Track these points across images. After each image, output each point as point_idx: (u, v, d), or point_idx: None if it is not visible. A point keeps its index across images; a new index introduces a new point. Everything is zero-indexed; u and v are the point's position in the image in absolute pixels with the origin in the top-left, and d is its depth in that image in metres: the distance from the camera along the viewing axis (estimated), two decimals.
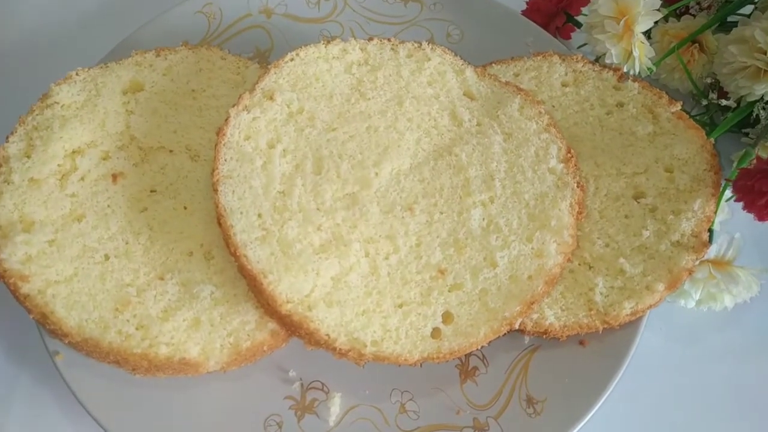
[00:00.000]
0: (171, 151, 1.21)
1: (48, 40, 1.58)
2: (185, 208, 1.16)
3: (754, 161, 1.16)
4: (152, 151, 1.21)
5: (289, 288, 1.01)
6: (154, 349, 1.01)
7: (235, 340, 1.05)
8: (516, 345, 1.17)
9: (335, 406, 1.10)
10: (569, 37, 1.65)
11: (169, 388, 1.09)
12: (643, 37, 1.34)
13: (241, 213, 1.05)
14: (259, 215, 1.06)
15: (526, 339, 1.17)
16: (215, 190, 1.07)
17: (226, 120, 1.12)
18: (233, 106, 1.14)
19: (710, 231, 1.21)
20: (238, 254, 1.01)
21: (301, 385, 1.13)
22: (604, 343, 1.15)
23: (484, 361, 1.16)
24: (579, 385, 1.11)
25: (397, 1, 1.58)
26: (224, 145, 1.10)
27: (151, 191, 1.18)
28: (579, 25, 1.60)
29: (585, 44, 1.59)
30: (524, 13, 1.61)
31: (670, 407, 1.23)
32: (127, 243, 1.11)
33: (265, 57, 1.50)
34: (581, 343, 1.16)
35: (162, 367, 1.03)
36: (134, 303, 1.05)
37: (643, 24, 1.32)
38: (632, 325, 1.15)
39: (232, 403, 1.09)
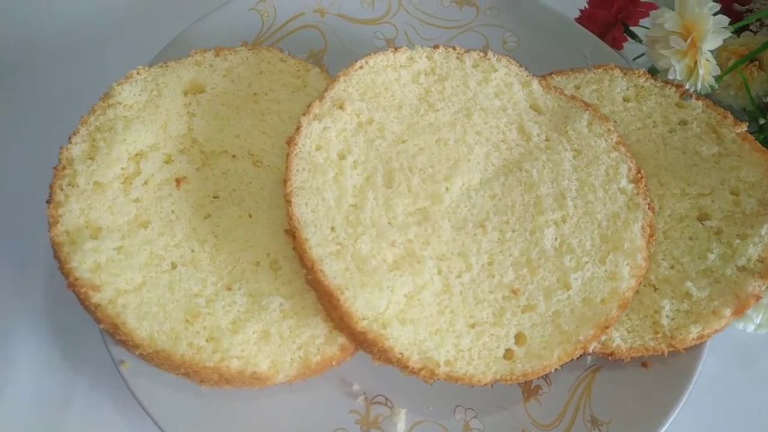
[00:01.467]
0: (234, 156, 1.19)
1: (96, 35, 1.54)
2: (250, 216, 1.14)
3: None
4: (214, 156, 1.18)
5: (365, 305, 0.99)
6: (225, 362, 1.00)
7: (305, 353, 1.04)
8: (578, 364, 1.16)
9: (401, 422, 1.09)
10: (621, 47, 1.64)
11: (236, 399, 1.07)
12: (710, 55, 1.33)
13: (315, 226, 1.03)
14: (332, 229, 1.04)
15: (588, 359, 1.17)
16: (288, 202, 1.04)
17: (298, 129, 1.10)
18: (304, 114, 1.11)
19: None
20: (315, 269, 0.99)
21: (365, 398, 1.12)
22: (667, 366, 1.15)
23: (547, 380, 1.15)
24: (643, 408, 1.11)
25: (452, 3, 1.55)
26: (296, 155, 1.08)
27: (214, 197, 1.15)
28: (635, 36, 1.59)
29: (640, 56, 1.58)
30: (578, 20, 1.59)
31: (725, 430, 1.23)
32: (192, 251, 1.09)
33: (319, 59, 1.47)
34: (644, 365, 1.16)
35: (232, 380, 1.01)
36: (204, 314, 1.03)
37: (712, 42, 1.31)
38: (695, 348, 1.15)
39: (299, 416, 1.08)
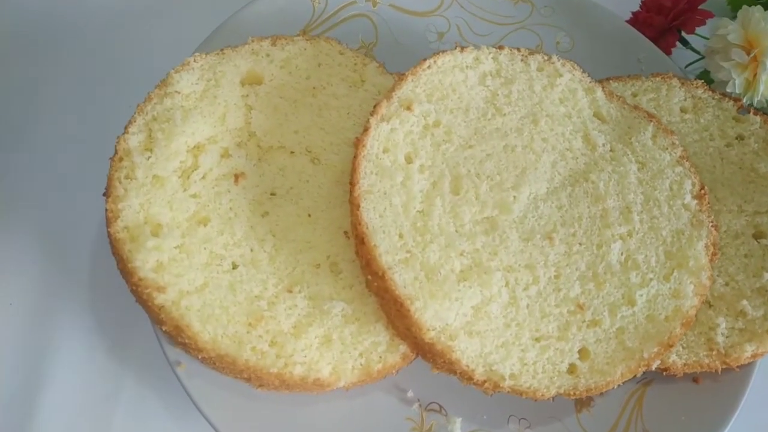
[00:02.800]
0: (291, 152, 1.15)
1: (142, 13, 1.47)
2: (309, 215, 1.11)
3: None
4: (271, 151, 1.15)
5: (434, 316, 0.97)
6: (289, 368, 0.98)
7: (367, 361, 1.02)
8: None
9: (457, 430, 1.08)
10: (671, 53, 1.61)
11: (292, 403, 1.06)
12: None
13: (384, 232, 1.01)
14: (400, 235, 1.02)
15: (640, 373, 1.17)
16: (356, 206, 1.01)
17: (366, 130, 1.06)
18: (371, 114, 1.08)
19: None
20: (386, 277, 0.97)
21: (420, 405, 1.11)
22: (718, 382, 1.16)
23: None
24: (695, 423, 1.12)
25: None
26: (364, 157, 1.04)
27: (271, 194, 1.12)
28: (687, 43, 1.56)
29: (692, 63, 1.56)
30: (631, 22, 1.56)
31: None
32: (252, 250, 1.06)
33: (370, 50, 1.42)
34: (695, 380, 1.16)
35: (293, 386, 0.99)
36: (266, 317, 1.00)
37: None
38: (746, 364, 1.16)
39: (354, 422, 1.07)
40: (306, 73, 1.21)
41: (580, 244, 1.09)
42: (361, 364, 1.02)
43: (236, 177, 1.10)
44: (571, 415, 1.13)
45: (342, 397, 1.07)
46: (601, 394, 1.14)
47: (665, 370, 1.13)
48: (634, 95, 1.35)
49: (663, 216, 1.13)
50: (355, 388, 1.06)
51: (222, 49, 1.19)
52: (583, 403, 1.14)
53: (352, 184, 1.03)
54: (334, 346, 1.02)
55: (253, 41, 1.21)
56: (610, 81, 1.37)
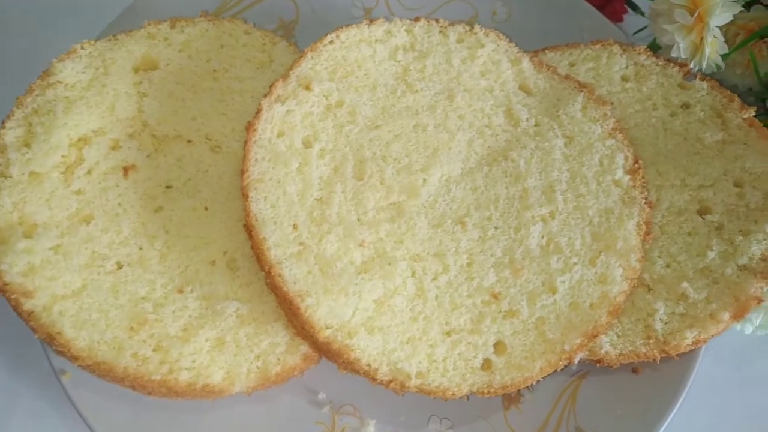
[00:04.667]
0: (189, 141, 1.07)
1: (45, 6, 1.39)
2: (206, 208, 1.03)
3: None
4: (167, 141, 1.07)
5: (328, 313, 0.90)
6: (174, 374, 0.91)
7: (264, 364, 0.95)
8: (563, 370, 1.07)
9: None
10: (622, 20, 1.51)
11: (188, 410, 0.99)
12: (717, 32, 1.20)
13: (275, 223, 0.93)
14: (295, 226, 0.94)
15: (575, 365, 1.08)
16: (245, 196, 0.94)
17: (258, 113, 0.98)
18: (265, 96, 1.00)
19: None
20: (272, 273, 0.90)
21: (332, 408, 1.03)
22: (658, 371, 1.07)
23: (529, 387, 1.07)
24: (632, 417, 1.03)
25: None
26: (255, 142, 0.96)
27: (167, 187, 1.05)
28: (636, 8, 1.46)
29: (641, 29, 1.45)
30: None
31: None
32: (141, 248, 0.99)
33: (290, 29, 1.34)
34: (634, 370, 1.08)
35: (182, 393, 0.92)
36: (151, 320, 0.93)
37: (721, 17, 1.18)
38: (689, 352, 1.07)
39: (258, 429, 1.00)
40: (207, 56, 1.13)
41: (496, 228, 1.00)
42: (257, 368, 0.95)
43: (125, 170, 1.03)
44: (498, 413, 1.05)
45: (245, 401, 1.00)
46: (531, 389, 1.07)
47: (598, 361, 1.04)
48: (572, 65, 1.25)
49: (590, 194, 1.04)
50: (261, 392, 0.99)
51: (115, 35, 1.11)
52: (511, 399, 1.06)
53: (241, 172, 0.95)
54: (228, 349, 0.94)
55: (149, 24, 1.13)
56: (546, 51, 1.27)
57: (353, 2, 1.37)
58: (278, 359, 0.95)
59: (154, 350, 0.92)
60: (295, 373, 0.97)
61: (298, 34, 1.33)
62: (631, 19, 1.49)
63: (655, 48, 1.30)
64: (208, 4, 1.30)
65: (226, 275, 0.99)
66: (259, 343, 0.95)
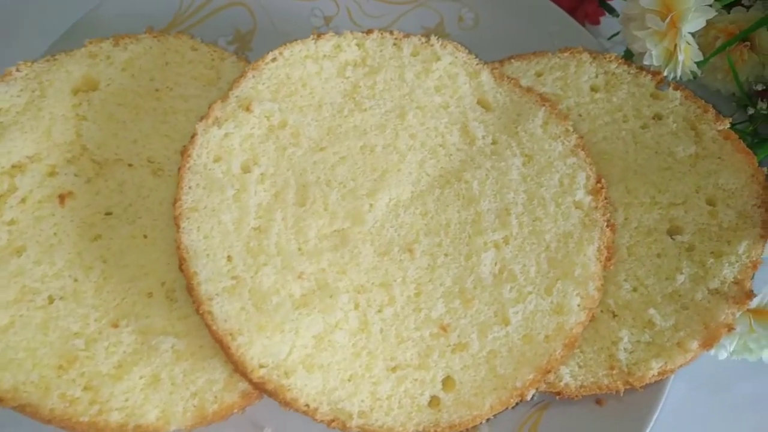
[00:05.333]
0: (130, 164, 1.03)
1: None
2: (145, 236, 0.99)
3: None
4: (108, 165, 1.03)
5: (262, 351, 0.85)
6: (104, 415, 0.87)
7: (200, 402, 0.91)
8: (524, 402, 1.02)
9: None
10: (598, 23, 1.44)
11: None
12: (690, 38, 1.14)
13: (208, 256, 0.88)
14: (229, 258, 0.89)
15: (536, 396, 1.03)
16: (177, 226, 0.89)
17: (193, 137, 0.93)
18: (201, 118, 0.95)
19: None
20: (201, 310, 0.85)
21: None
22: (623, 403, 1.01)
23: (488, 419, 1.02)
24: None
25: None
26: (189, 169, 0.92)
27: (107, 214, 1.00)
28: (612, 10, 1.39)
29: (617, 33, 1.39)
30: None
31: None
32: (75, 281, 0.95)
33: (246, 42, 1.29)
34: (598, 402, 1.02)
35: None
36: (82, 358, 0.89)
37: (693, 23, 1.11)
38: (657, 382, 1.01)
39: None
40: (150, 75, 1.08)
41: (446, 255, 0.95)
42: (194, 406, 0.90)
43: (62, 197, 0.99)
44: None
45: None
46: (489, 422, 1.01)
47: (558, 393, 0.99)
48: (539, 75, 1.19)
49: (548, 217, 0.98)
50: (201, 429, 0.95)
51: (53, 55, 1.07)
52: None
53: (174, 201, 0.91)
54: (163, 387, 0.90)
55: (91, 43, 1.09)
56: (512, 60, 1.21)
57: (313, 11, 1.32)
58: (215, 397, 0.91)
59: (83, 390, 0.88)
60: (234, 410, 0.93)
61: (256, 47, 1.28)
62: (608, 22, 1.43)
63: (629, 55, 1.23)
64: (161, 18, 1.25)
65: (163, 308, 0.94)
66: (196, 380, 0.91)
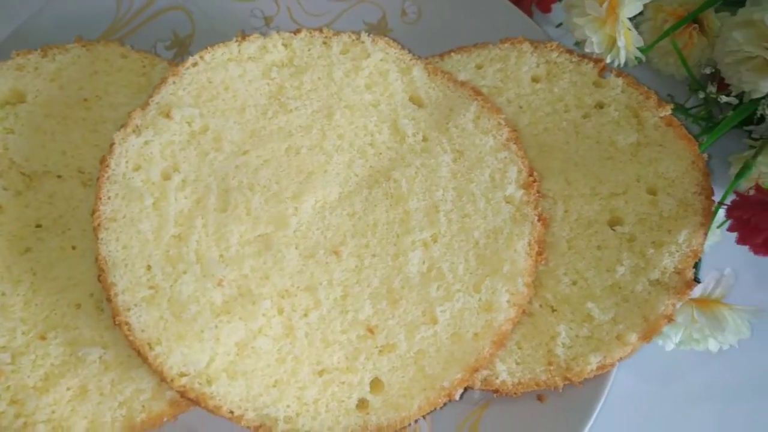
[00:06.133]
0: (59, 176, 1.02)
1: None
2: (74, 248, 0.98)
3: (753, 187, 0.96)
4: (37, 177, 1.02)
5: (182, 360, 0.84)
6: (29, 429, 0.87)
7: (129, 411, 0.90)
8: (465, 399, 1.01)
9: None
10: (549, 10, 1.41)
11: None
12: (629, 23, 1.11)
13: (126, 266, 0.88)
14: (148, 267, 0.88)
15: (477, 393, 1.02)
16: (96, 237, 0.89)
17: (111, 147, 0.93)
18: (121, 127, 0.94)
19: (696, 261, 1.03)
20: (118, 321, 0.84)
21: None
22: (565, 399, 0.99)
23: (428, 418, 1.01)
24: None
25: None
26: (108, 179, 0.91)
27: (37, 226, 1.00)
28: None
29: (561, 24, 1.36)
30: None
31: None
32: (3, 294, 0.94)
33: (185, 46, 1.27)
34: (539, 398, 1.01)
35: None
36: (7, 372, 0.89)
37: (631, 7, 1.09)
38: (599, 377, 0.99)
39: None
40: (78, 84, 1.08)
41: (374, 255, 0.94)
42: (122, 416, 0.90)
43: None
44: None
45: None
46: (429, 421, 1.00)
47: (495, 391, 0.97)
48: (479, 67, 1.17)
49: (478, 213, 0.96)
50: None
51: None
52: None
53: (93, 211, 0.90)
54: (91, 398, 0.90)
55: (18, 55, 1.08)
56: (452, 54, 1.19)
57: (252, 12, 1.30)
58: (143, 406, 0.90)
59: (8, 404, 0.88)
60: (164, 419, 0.92)
61: (195, 51, 1.26)
62: (560, 9, 1.40)
63: (578, 44, 1.21)
64: (98, 27, 1.24)
65: (92, 318, 0.94)
66: (123, 390, 0.91)
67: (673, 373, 1.14)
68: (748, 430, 1.12)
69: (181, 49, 1.27)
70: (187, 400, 0.87)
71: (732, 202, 0.98)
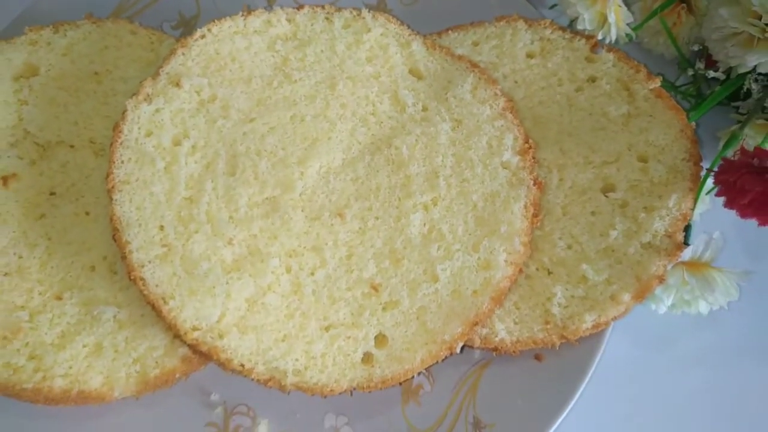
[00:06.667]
0: (72, 146, 1.06)
1: None
2: (87, 213, 1.02)
3: (739, 152, 1.01)
4: (50, 147, 1.06)
5: (194, 314, 0.88)
6: (48, 382, 0.90)
7: (142, 367, 0.94)
8: (465, 359, 1.05)
9: None
10: None
11: (75, 417, 0.98)
12: (620, 0, 1.16)
13: (140, 226, 0.91)
14: (161, 227, 0.92)
15: (477, 353, 1.05)
16: (110, 198, 0.92)
17: (123, 114, 0.96)
18: (132, 96, 0.98)
19: (687, 227, 1.07)
20: (134, 276, 0.88)
21: (225, 409, 1.02)
22: (562, 358, 1.03)
23: (429, 378, 1.04)
24: (532, 407, 1.00)
25: None
26: (121, 144, 0.95)
27: (51, 194, 1.04)
28: None
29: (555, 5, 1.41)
30: None
31: (639, 420, 1.13)
32: (20, 257, 0.98)
33: (190, 26, 1.31)
34: (537, 357, 1.04)
35: (59, 401, 0.92)
36: (26, 329, 0.93)
37: None
38: (594, 337, 1.03)
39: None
40: (89, 59, 1.11)
41: (377, 218, 0.98)
42: (136, 371, 0.94)
43: (5, 180, 1.02)
44: (396, 406, 1.03)
45: (135, 406, 0.99)
46: (432, 381, 1.04)
47: (495, 349, 1.01)
48: (475, 44, 1.21)
49: (476, 178, 1.00)
50: (150, 395, 0.98)
51: None
52: (411, 392, 1.04)
53: (107, 175, 0.94)
54: (106, 354, 0.94)
55: (31, 31, 1.12)
56: (450, 32, 1.23)
57: None
58: (156, 362, 0.94)
59: (28, 359, 0.91)
60: (177, 376, 0.96)
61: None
62: None
63: (572, 22, 1.25)
64: (106, 7, 1.28)
65: (105, 280, 0.98)
66: (137, 347, 0.94)
67: (666, 338, 1.17)
68: (738, 393, 1.16)
69: (186, 28, 1.31)
70: (199, 354, 0.90)
71: (719, 167, 1.02)
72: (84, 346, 0.93)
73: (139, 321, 0.95)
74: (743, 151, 0.98)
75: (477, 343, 1.00)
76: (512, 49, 1.20)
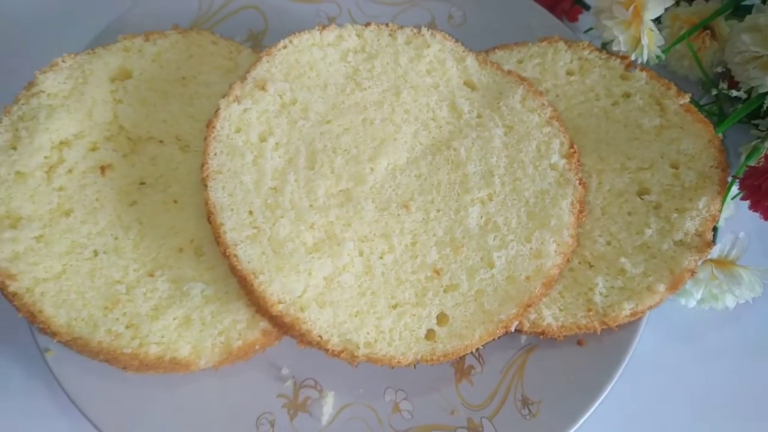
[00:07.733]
0: (161, 141, 1.18)
1: (32, 25, 1.52)
2: (175, 201, 1.13)
3: (763, 159, 1.12)
4: (141, 142, 1.18)
5: (280, 288, 0.98)
6: (144, 348, 1.00)
7: (227, 339, 1.04)
8: (513, 344, 1.15)
9: (328, 405, 1.09)
10: (576, 20, 1.59)
11: (161, 385, 1.08)
12: (652, 25, 1.28)
13: (232, 210, 1.02)
14: (250, 212, 1.03)
15: (523, 338, 1.15)
16: (205, 186, 1.04)
17: (216, 112, 1.08)
18: (224, 96, 1.10)
19: (714, 229, 1.18)
20: (228, 253, 0.99)
21: (294, 383, 1.11)
22: (602, 344, 1.13)
23: (480, 360, 1.14)
24: (575, 386, 1.10)
25: None
26: (214, 138, 1.06)
27: (141, 184, 1.15)
28: (587, 7, 1.55)
29: (591, 29, 1.54)
30: None
31: (668, 408, 1.22)
32: (116, 238, 1.09)
33: (258, 40, 1.44)
34: (579, 343, 1.14)
35: (152, 366, 1.01)
36: (124, 301, 1.03)
37: (653, 11, 1.26)
38: (632, 325, 1.13)
39: (224, 401, 1.08)
40: (176, 65, 1.24)
41: (438, 210, 1.09)
42: (221, 342, 1.03)
43: (102, 169, 1.13)
44: (450, 384, 1.12)
45: (214, 376, 1.09)
46: (482, 362, 1.14)
47: (542, 333, 1.11)
48: (520, 62, 1.34)
49: (527, 177, 1.12)
50: (229, 367, 1.08)
51: (93, 49, 1.22)
52: (463, 372, 1.13)
53: (201, 165, 1.05)
54: (194, 326, 1.03)
55: (125, 38, 1.24)
56: (496, 50, 1.36)
57: (318, 13, 1.48)
58: (239, 334, 1.04)
59: (126, 327, 1.01)
60: (256, 347, 1.05)
61: (267, 45, 1.44)
62: (586, 18, 1.58)
63: (605, 44, 1.38)
64: (183, 21, 1.41)
65: (192, 260, 1.08)
66: (222, 320, 1.04)
67: (694, 332, 1.27)
68: (761, 385, 1.25)
69: (255, 43, 1.44)
70: (282, 325, 1.00)
71: (744, 173, 1.13)
72: (174, 318, 1.03)
73: (224, 297, 1.06)
74: (767, 157, 1.10)
75: (526, 326, 1.10)
76: (554, 66, 1.32)
